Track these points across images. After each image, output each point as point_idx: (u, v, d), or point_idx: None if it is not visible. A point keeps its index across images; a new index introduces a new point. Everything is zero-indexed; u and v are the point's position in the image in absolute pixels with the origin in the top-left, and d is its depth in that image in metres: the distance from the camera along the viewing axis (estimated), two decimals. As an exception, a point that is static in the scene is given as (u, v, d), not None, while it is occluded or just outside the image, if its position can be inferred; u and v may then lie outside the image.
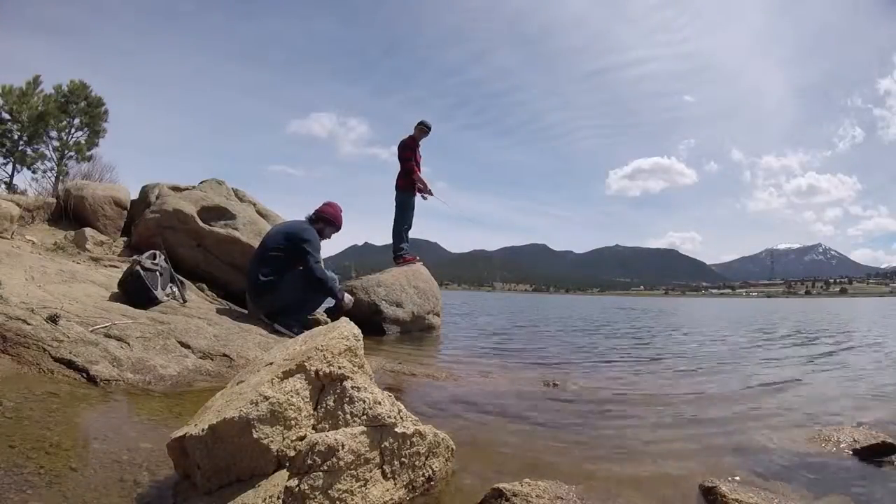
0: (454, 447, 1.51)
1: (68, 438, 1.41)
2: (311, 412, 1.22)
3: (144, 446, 1.42)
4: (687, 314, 14.62)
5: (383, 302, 4.96)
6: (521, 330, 7.07)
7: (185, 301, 3.56)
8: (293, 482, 1.10)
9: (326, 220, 3.85)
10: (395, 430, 1.30)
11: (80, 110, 12.00)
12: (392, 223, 5.98)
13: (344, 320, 1.51)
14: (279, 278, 3.54)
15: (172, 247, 4.49)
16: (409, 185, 5.86)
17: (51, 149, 11.75)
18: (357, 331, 1.45)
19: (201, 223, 4.75)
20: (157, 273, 3.41)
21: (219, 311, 3.65)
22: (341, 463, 1.16)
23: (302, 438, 1.17)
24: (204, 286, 4.52)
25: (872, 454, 1.73)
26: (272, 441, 1.12)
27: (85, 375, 1.99)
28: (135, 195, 5.76)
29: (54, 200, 5.45)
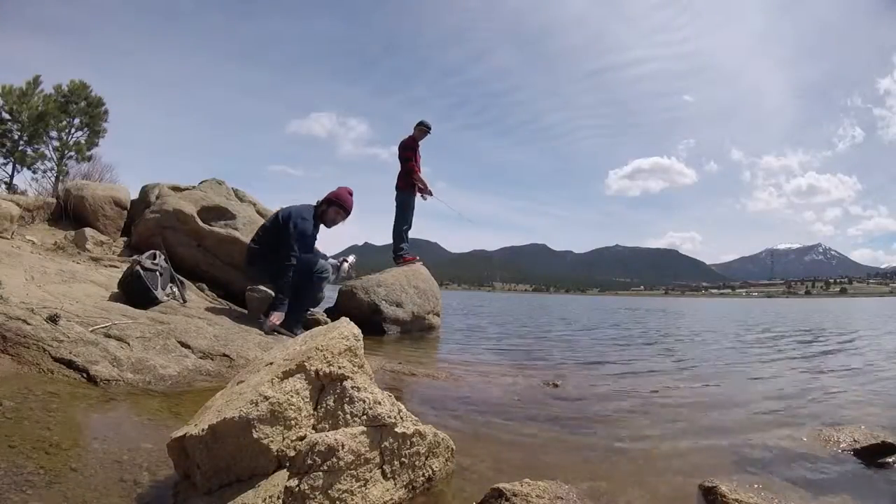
0: (454, 447, 1.51)
1: (68, 438, 1.41)
2: (311, 412, 1.22)
3: (144, 446, 1.42)
4: (689, 314, 14.62)
5: (383, 302, 4.96)
6: (522, 330, 7.07)
7: (185, 301, 3.57)
8: (293, 482, 1.10)
9: (332, 201, 3.76)
10: (395, 430, 1.30)
11: (80, 110, 11.99)
12: (392, 223, 5.99)
13: (344, 320, 1.51)
14: (267, 250, 3.57)
15: (172, 247, 4.49)
16: (409, 186, 5.87)
17: (51, 149, 11.75)
18: (357, 331, 1.45)
19: (201, 223, 4.75)
20: (157, 273, 3.41)
21: (219, 311, 3.66)
22: (341, 463, 1.16)
23: (302, 438, 1.17)
24: (204, 286, 4.52)
25: (872, 454, 1.73)
26: (272, 441, 1.12)
27: (85, 375, 1.99)
28: (135, 195, 5.76)
29: (54, 200, 5.45)
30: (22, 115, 11.01)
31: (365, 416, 1.27)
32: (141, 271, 3.24)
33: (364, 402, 1.29)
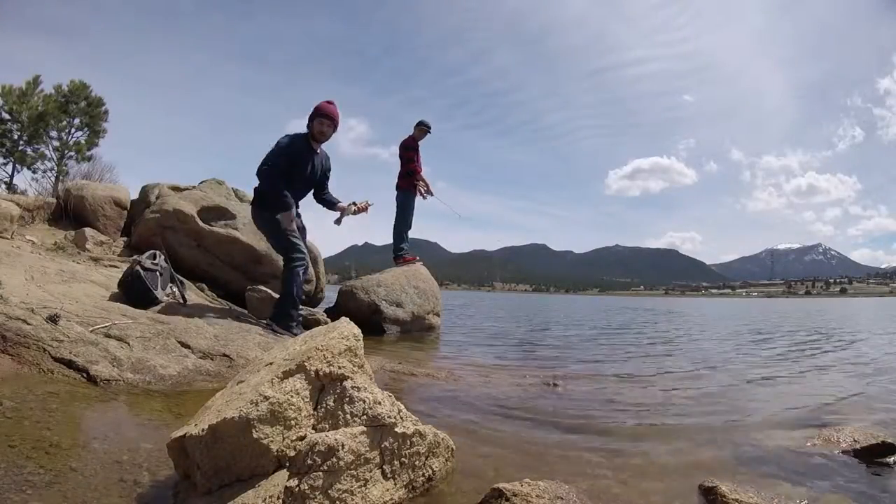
0: (454, 447, 1.51)
1: (68, 438, 1.41)
2: (311, 412, 1.22)
3: (144, 446, 1.42)
4: (689, 314, 14.61)
5: (383, 302, 4.96)
6: (522, 330, 7.07)
7: (185, 301, 3.57)
8: (293, 482, 1.11)
9: (312, 116, 3.45)
10: (395, 430, 1.30)
11: (80, 110, 12.00)
12: (392, 223, 5.99)
13: (344, 320, 1.51)
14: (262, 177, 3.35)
15: (172, 247, 4.49)
16: (409, 186, 5.87)
17: (51, 149, 11.77)
18: (357, 330, 1.45)
19: (201, 223, 4.75)
20: (157, 273, 3.41)
21: (218, 312, 3.65)
22: (341, 463, 1.16)
23: (302, 438, 1.17)
24: (204, 286, 4.52)
25: (872, 454, 1.73)
26: (272, 441, 1.12)
27: (85, 375, 1.99)
28: (135, 195, 5.77)
29: (54, 200, 5.46)
30: (22, 115, 11.02)
31: (365, 416, 1.27)
32: (141, 271, 3.24)
33: (364, 401, 1.29)
